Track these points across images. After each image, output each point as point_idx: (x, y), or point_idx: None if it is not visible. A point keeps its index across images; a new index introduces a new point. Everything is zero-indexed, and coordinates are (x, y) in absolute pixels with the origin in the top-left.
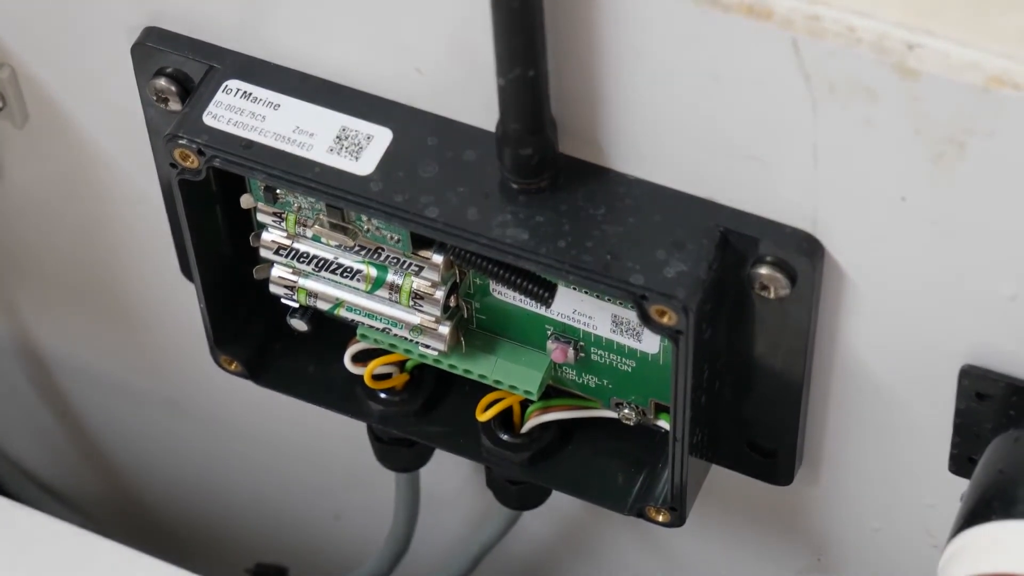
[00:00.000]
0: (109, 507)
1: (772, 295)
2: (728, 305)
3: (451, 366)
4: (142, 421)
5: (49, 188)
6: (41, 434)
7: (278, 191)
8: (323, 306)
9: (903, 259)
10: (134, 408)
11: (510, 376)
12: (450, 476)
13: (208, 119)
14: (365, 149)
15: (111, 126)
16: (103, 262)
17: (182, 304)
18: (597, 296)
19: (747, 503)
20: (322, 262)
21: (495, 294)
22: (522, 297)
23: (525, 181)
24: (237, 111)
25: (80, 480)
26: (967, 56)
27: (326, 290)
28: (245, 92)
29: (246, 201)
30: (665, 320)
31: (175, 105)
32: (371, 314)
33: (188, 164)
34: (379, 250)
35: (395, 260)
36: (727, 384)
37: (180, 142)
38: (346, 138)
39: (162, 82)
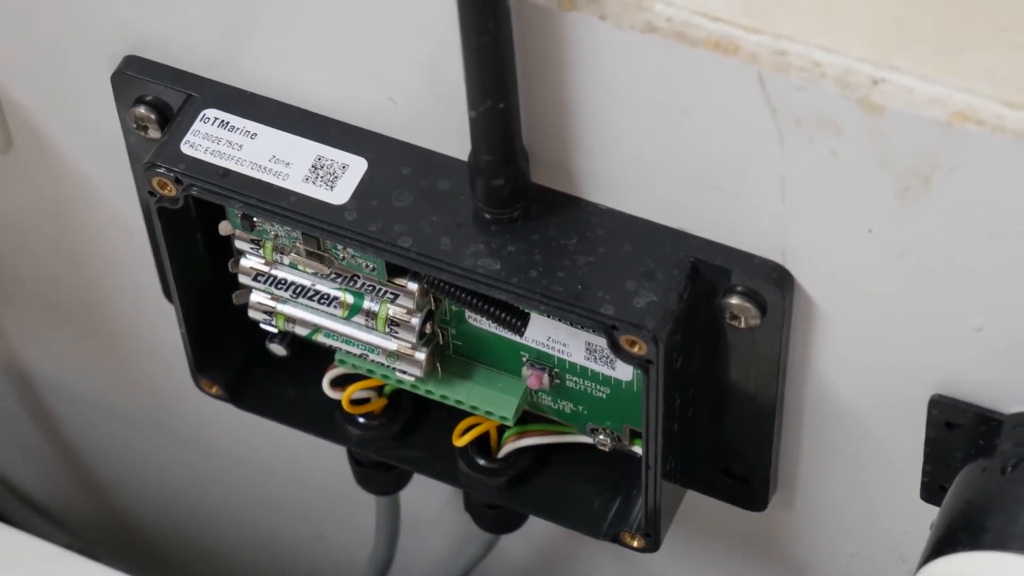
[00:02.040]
0: (95, 525)
1: (743, 324)
2: (699, 334)
3: (428, 392)
4: (128, 441)
5: (33, 212)
6: (28, 453)
7: (255, 219)
8: (301, 332)
9: (872, 290)
10: (120, 428)
11: (486, 402)
12: (430, 499)
13: (186, 148)
14: (340, 178)
15: (93, 152)
16: (87, 284)
17: (165, 326)
18: (571, 324)
19: (723, 528)
20: (300, 289)
21: (471, 321)
22: (496, 325)
23: (497, 211)
24: (214, 140)
25: (66, 499)
26: (931, 92)
27: (304, 316)
28: (223, 121)
29: (224, 228)
30: (636, 350)
31: (154, 133)
32: (348, 340)
33: (166, 192)
34: (355, 277)
35: (371, 287)
36: (700, 411)
37: (158, 171)
38: (321, 167)
39: (142, 110)
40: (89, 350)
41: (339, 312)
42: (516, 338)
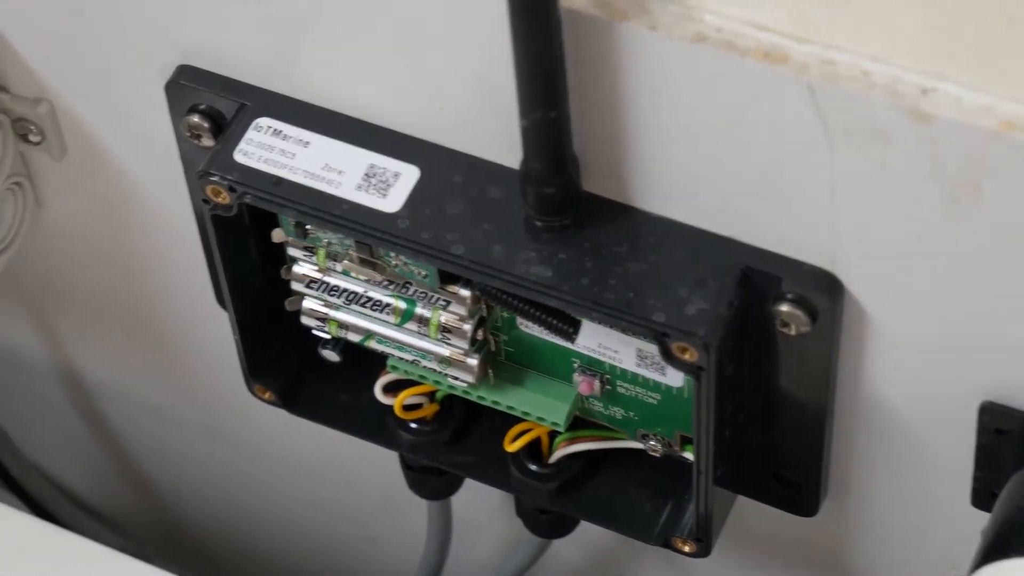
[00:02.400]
0: (148, 528)
1: (793, 332)
2: (750, 341)
3: (480, 397)
4: (180, 445)
5: (87, 219)
6: (80, 456)
7: (308, 227)
8: (354, 338)
9: (921, 297)
10: (172, 432)
11: (538, 408)
12: (481, 503)
13: (239, 156)
14: (393, 186)
15: (147, 160)
16: (140, 290)
17: (218, 331)
18: (622, 330)
19: (773, 534)
20: (352, 295)
21: (522, 327)
22: (548, 331)
23: (548, 219)
24: (268, 148)
25: (119, 502)
26: (979, 100)
27: (357, 322)
28: (276, 129)
29: (277, 235)
30: (687, 357)
31: (208, 141)
32: (401, 346)
33: (220, 200)
34: (407, 284)
35: (423, 294)
36: (751, 417)
37: (212, 179)
38: (374, 175)
39: (195, 119)
40: (142, 355)
41: (391, 319)
42: (567, 344)
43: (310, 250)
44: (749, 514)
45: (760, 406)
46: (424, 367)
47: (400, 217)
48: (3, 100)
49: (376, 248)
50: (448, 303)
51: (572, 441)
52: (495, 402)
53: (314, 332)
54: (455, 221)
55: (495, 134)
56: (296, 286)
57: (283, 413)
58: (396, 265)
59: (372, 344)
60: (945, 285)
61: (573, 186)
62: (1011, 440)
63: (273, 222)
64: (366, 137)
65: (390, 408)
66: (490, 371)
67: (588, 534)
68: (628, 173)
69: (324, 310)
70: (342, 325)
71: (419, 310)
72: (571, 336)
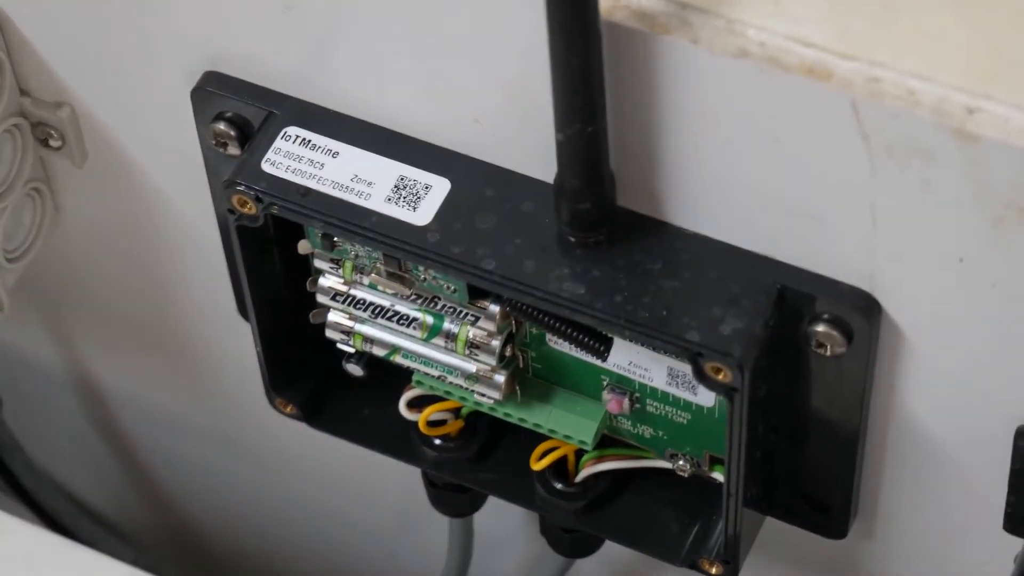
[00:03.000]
0: (162, 542)
1: (828, 352)
2: (784, 361)
3: (506, 414)
4: (198, 457)
5: (107, 225)
6: (95, 468)
7: (335, 239)
8: (379, 352)
9: (960, 319)
10: (190, 443)
11: (565, 426)
12: (503, 521)
13: (267, 166)
14: (423, 199)
15: (169, 167)
16: (160, 299)
17: (238, 343)
18: (654, 349)
19: (801, 556)
20: (379, 309)
21: (551, 343)
22: (579, 349)
23: (582, 235)
24: (296, 158)
25: (135, 513)
26: None
27: (382, 336)
28: (304, 139)
29: (303, 247)
30: (720, 377)
31: (234, 150)
32: (427, 361)
33: (246, 210)
34: (435, 299)
35: (451, 309)
36: (782, 438)
37: (238, 188)
38: (404, 187)
39: (221, 126)
40: (160, 366)
41: (418, 333)
42: (598, 362)
43: (336, 262)
44: (777, 535)
45: (791, 427)
46: (450, 383)
47: (430, 230)
48: (23, 104)
49: (405, 262)
50: (477, 318)
51: (599, 460)
52: (522, 419)
53: (338, 346)
54: (486, 235)
55: (529, 147)
56: (321, 299)
57: (303, 427)
58: (425, 279)
59: (397, 359)
60: (985, 308)
61: (608, 202)
62: None
63: (298, 233)
64: (396, 148)
65: (414, 424)
66: (517, 388)
67: (612, 553)
68: (664, 189)
69: (349, 323)
70: (367, 339)
71: (447, 325)
72: (603, 354)
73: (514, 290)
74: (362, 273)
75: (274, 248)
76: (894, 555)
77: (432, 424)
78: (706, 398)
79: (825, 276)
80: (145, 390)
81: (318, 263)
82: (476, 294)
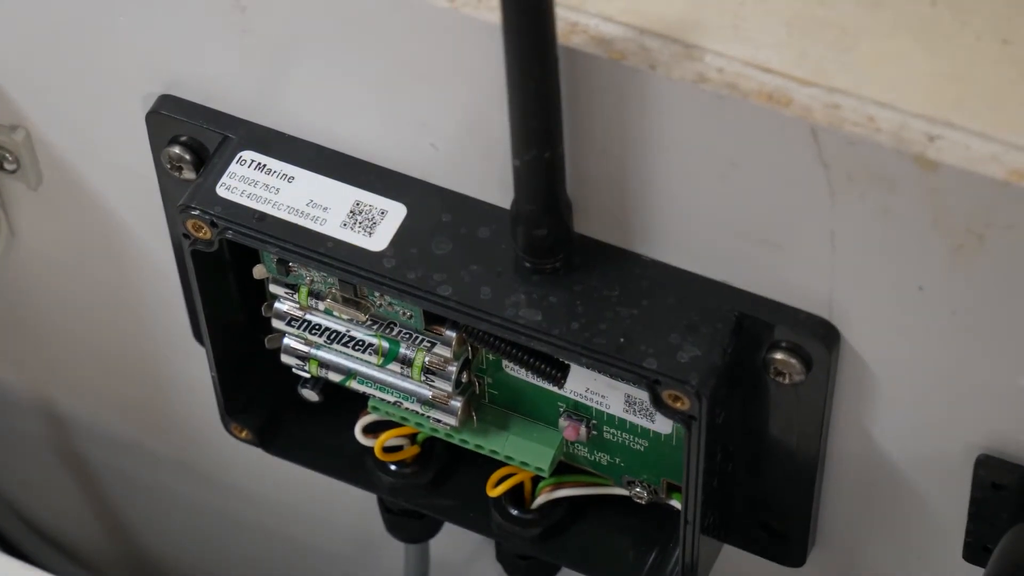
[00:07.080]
0: (120, 565)
1: (787, 380)
2: (742, 389)
3: (463, 441)
4: (154, 481)
5: (62, 249)
6: (54, 491)
7: (291, 264)
8: (335, 377)
9: (920, 347)
10: (147, 468)
11: (522, 453)
12: (460, 548)
13: (221, 190)
14: (379, 224)
15: (125, 191)
16: (116, 323)
17: (194, 368)
18: (611, 376)
19: None
20: (334, 334)
21: (508, 370)
22: (536, 376)
23: (539, 261)
24: (251, 183)
25: (91, 538)
26: (988, 149)
27: (338, 362)
28: (259, 163)
29: (259, 272)
30: (678, 405)
31: (189, 174)
32: (383, 387)
33: (200, 235)
34: (391, 324)
35: (408, 335)
36: (740, 465)
37: (193, 213)
38: (360, 212)
39: (176, 150)
40: (117, 390)
41: (374, 359)
42: (555, 389)
43: (292, 287)
44: (735, 562)
45: (749, 454)
46: (406, 408)
47: (386, 256)
48: None
49: (360, 287)
50: (433, 344)
51: (556, 487)
52: (478, 446)
53: (294, 371)
54: (442, 261)
55: (486, 173)
56: (277, 324)
57: (260, 452)
58: (380, 305)
59: (353, 384)
60: (945, 336)
61: (565, 228)
62: (1007, 494)
63: (254, 257)
64: (352, 173)
65: (370, 450)
66: (474, 414)
67: None
68: (622, 215)
69: (305, 349)
70: (323, 364)
71: (403, 351)
72: (560, 381)
73: (470, 316)
74: (318, 298)
75: (230, 272)
76: None
77: (388, 450)
78: (663, 425)
79: (784, 304)
80: (102, 414)
81: (273, 288)
82: (432, 320)
